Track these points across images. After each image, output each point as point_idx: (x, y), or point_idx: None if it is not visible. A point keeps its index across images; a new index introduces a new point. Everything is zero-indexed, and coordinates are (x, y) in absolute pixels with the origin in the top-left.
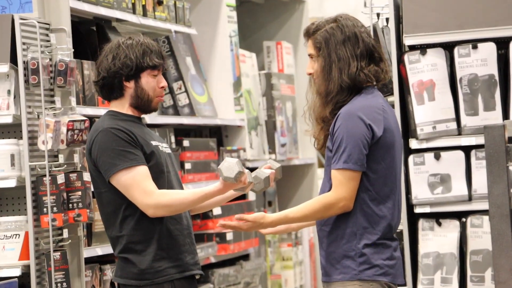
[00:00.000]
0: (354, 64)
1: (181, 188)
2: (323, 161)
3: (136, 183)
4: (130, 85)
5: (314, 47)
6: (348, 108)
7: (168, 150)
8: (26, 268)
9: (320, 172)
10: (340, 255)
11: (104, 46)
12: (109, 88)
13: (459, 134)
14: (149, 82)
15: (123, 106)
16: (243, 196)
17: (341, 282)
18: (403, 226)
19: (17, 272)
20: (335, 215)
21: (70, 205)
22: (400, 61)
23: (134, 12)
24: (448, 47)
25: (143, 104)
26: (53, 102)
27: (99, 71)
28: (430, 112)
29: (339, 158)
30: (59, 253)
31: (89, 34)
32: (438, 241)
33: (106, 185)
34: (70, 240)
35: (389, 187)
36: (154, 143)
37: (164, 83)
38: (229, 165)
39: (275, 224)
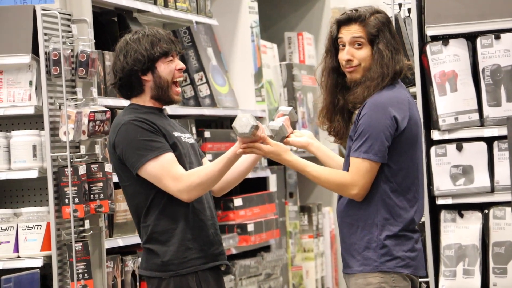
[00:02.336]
0: (402, 54)
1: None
2: (343, 151)
3: (166, 171)
4: (148, 78)
5: (366, 33)
6: (375, 98)
7: (192, 140)
8: (48, 259)
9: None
10: (361, 246)
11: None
12: (129, 86)
13: (482, 125)
14: (166, 68)
15: (144, 101)
16: (264, 187)
17: (362, 274)
18: (425, 217)
19: (39, 262)
20: (343, 196)
21: (92, 196)
22: (422, 52)
23: (155, 3)
24: (471, 38)
25: (163, 93)
26: (74, 93)
27: (114, 72)
28: (452, 103)
29: (360, 147)
30: (80, 244)
31: (110, 24)
32: (460, 232)
33: (131, 178)
34: (91, 231)
35: (411, 179)
36: (176, 134)
37: (181, 65)
38: (242, 121)
39: (291, 165)
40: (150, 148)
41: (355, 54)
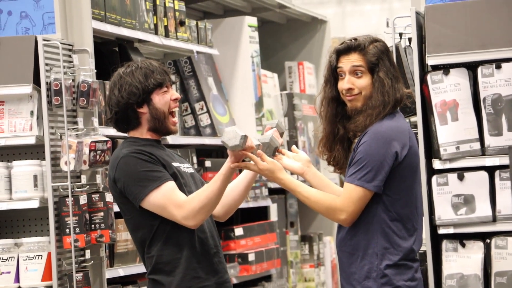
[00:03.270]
0: (401, 82)
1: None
2: (344, 180)
3: (169, 200)
4: (144, 110)
5: (366, 61)
6: (376, 128)
7: (191, 170)
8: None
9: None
10: (362, 276)
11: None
12: (125, 120)
13: (483, 154)
14: (161, 99)
15: (141, 133)
16: (265, 217)
17: None
18: (427, 247)
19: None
20: (332, 220)
21: (93, 225)
22: (423, 81)
23: (156, 33)
24: (471, 67)
25: (160, 124)
26: (75, 123)
27: (110, 107)
28: (454, 132)
29: (355, 173)
30: (81, 274)
31: (111, 55)
32: (462, 262)
33: (133, 211)
34: (92, 261)
35: (409, 208)
36: (175, 164)
37: (176, 95)
38: (230, 135)
39: (283, 183)
40: (151, 178)
41: (356, 83)
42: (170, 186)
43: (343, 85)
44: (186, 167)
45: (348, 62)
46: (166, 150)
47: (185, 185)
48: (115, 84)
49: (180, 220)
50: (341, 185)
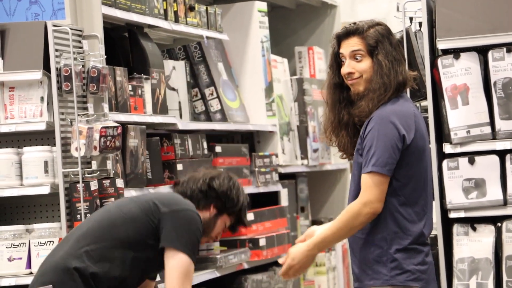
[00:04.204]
0: (404, 65)
1: None
2: None
3: (183, 275)
4: (210, 212)
5: (365, 45)
6: (381, 112)
7: None
8: None
9: None
10: (372, 260)
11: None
12: (200, 199)
13: (494, 138)
14: (220, 225)
15: (201, 215)
16: (276, 202)
17: None
18: (438, 231)
19: None
20: (367, 221)
21: None
22: (434, 65)
23: (166, 18)
24: (482, 51)
25: (204, 230)
26: (85, 108)
27: (208, 182)
28: (464, 116)
29: (369, 161)
30: None
31: (121, 40)
32: (473, 246)
33: (146, 240)
34: None
35: (418, 192)
36: None
37: (218, 236)
38: None
39: (317, 250)
40: (194, 248)
41: (356, 67)
42: (192, 268)
43: (344, 69)
44: None
45: (348, 46)
46: None
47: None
48: (230, 183)
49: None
50: (351, 169)
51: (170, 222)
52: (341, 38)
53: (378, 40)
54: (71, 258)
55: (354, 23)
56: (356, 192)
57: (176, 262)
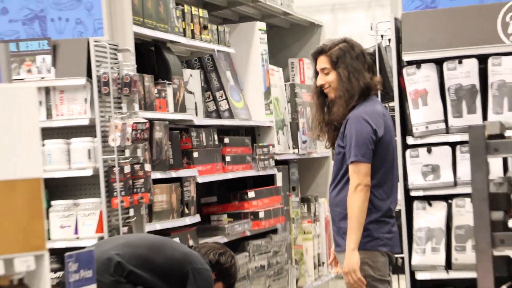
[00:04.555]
0: (366, 74)
1: None
2: None
3: None
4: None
5: (329, 61)
6: (356, 113)
7: None
8: (101, 239)
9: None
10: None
11: (229, 259)
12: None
13: (447, 132)
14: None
15: None
16: (272, 182)
17: None
18: (401, 206)
19: (94, 242)
20: (365, 197)
21: (135, 190)
22: (400, 74)
23: (184, 35)
24: (439, 62)
25: None
26: (120, 107)
27: (218, 258)
28: (424, 115)
29: (350, 153)
30: (126, 228)
31: (148, 53)
32: (429, 218)
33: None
34: (135, 218)
35: (387, 176)
36: None
37: None
38: None
39: (353, 246)
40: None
41: (325, 79)
42: None
43: (317, 82)
44: None
45: (319, 63)
46: None
47: None
48: (234, 263)
49: None
50: (333, 157)
51: (195, 277)
52: (314, 56)
53: (339, 56)
54: (116, 255)
55: (324, 44)
56: (336, 173)
57: None
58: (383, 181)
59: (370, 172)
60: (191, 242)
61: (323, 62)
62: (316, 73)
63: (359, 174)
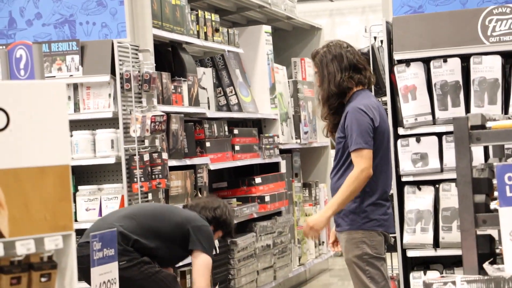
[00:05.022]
0: (339, 75)
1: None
2: (334, 144)
3: (206, 270)
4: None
5: (315, 66)
6: (353, 104)
7: None
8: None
9: (332, 152)
10: (348, 211)
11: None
12: (213, 223)
13: (434, 124)
14: (215, 237)
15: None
16: (277, 169)
17: (348, 231)
18: (393, 191)
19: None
20: (363, 183)
21: (153, 176)
22: (391, 71)
23: (198, 37)
24: (426, 61)
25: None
26: (140, 102)
27: (214, 212)
28: (413, 108)
29: (353, 142)
30: None
31: (166, 53)
32: (418, 201)
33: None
34: (153, 201)
35: (383, 162)
36: None
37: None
38: None
39: (331, 212)
40: (211, 250)
41: (318, 80)
42: (211, 262)
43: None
44: None
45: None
46: None
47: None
48: (219, 207)
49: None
50: (332, 146)
51: (195, 233)
52: (312, 60)
53: (319, 61)
54: (120, 226)
55: (315, 50)
56: (337, 161)
57: (201, 259)
58: (380, 167)
59: (372, 158)
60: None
61: (313, 66)
62: None
63: (364, 159)
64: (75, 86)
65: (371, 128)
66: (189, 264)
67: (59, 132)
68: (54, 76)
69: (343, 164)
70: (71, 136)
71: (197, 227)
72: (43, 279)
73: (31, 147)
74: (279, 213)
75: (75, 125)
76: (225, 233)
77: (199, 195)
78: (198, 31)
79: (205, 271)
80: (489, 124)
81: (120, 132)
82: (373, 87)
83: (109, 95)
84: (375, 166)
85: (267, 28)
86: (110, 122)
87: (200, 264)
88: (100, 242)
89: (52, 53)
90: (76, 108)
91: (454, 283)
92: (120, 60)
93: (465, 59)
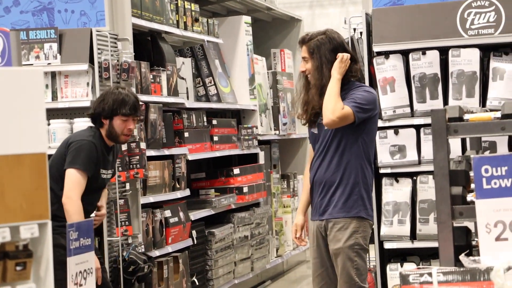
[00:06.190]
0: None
1: (99, 198)
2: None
3: (75, 184)
4: (106, 122)
5: (308, 51)
6: (362, 87)
7: (109, 176)
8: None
9: None
10: (345, 199)
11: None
12: (95, 120)
13: (412, 116)
14: (118, 124)
15: (102, 132)
16: (256, 160)
17: (344, 219)
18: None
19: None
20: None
21: (131, 165)
22: (370, 63)
23: (178, 27)
24: (405, 53)
25: (112, 138)
26: None
27: (92, 106)
28: (391, 100)
29: (355, 105)
30: (123, 200)
31: (145, 42)
32: (396, 193)
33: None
34: (131, 191)
35: (372, 154)
36: (103, 171)
37: (131, 127)
38: None
39: (336, 81)
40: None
41: (305, 66)
42: (81, 176)
43: (300, 68)
44: (108, 173)
45: (301, 51)
46: (110, 155)
47: (90, 191)
48: (102, 95)
49: (63, 198)
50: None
51: (67, 156)
52: (299, 44)
53: (315, 47)
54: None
55: (307, 34)
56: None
57: (68, 176)
58: (370, 159)
59: (370, 147)
60: (181, 214)
61: (304, 51)
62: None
63: (345, 114)
64: (53, 75)
65: (375, 110)
66: (167, 255)
67: (36, 120)
68: (32, 64)
69: (335, 152)
70: (49, 124)
71: (70, 146)
72: (18, 268)
73: (7, 134)
74: (257, 204)
75: (53, 113)
76: (120, 114)
77: (177, 185)
78: (177, 21)
79: (75, 184)
80: (466, 116)
81: None
82: None
83: (87, 84)
84: (371, 156)
85: (247, 18)
86: (88, 111)
87: (68, 181)
88: (77, 232)
89: (30, 40)
90: (54, 97)
91: (430, 274)
92: (98, 49)
93: (443, 52)
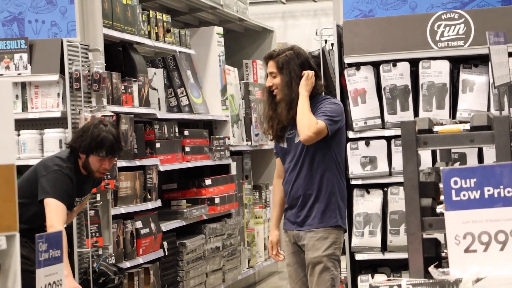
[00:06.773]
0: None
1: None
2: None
3: (59, 212)
4: (82, 157)
5: (276, 66)
6: (329, 100)
7: (83, 199)
8: (70, 222)
9: None
10: (322, 209)
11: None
12: (74, 151)
13: (383, 127)
14: (94, 162)
15: (80, 163)
16: (227, 171)
17: (323, 229)
18: None
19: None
20: (312, 133)
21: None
22: (341, 75)
23: (149, 37)
24: (376, 65)
25: (87, 172)
26: (90, 102)
27: (72, 137)
28: (362, 111)
29: (327, 118)
30: (93, 211)
31: (116, 53)
32: (367, 204)
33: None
34: (101, 202)
35: (344, 165)
36: (77, 198)
37: (105, 167)
38: None
39: (304, 98)
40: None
41: (273, 81)
42: (59, 204)
43: (266, 83)
44: (81, 200)
45: (268, 67)
46: (86, 183)
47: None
48: (83, 129)
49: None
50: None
51: (40, 183)
52: (265, 60)
53: (284, 62)
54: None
55: (274, 50)
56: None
57: (49, 205)
58: (343, 169)
59: (341, 156)
60: (152, 225)
61: (271, 66)
62: (267, 75)
63: (320, 129)
64: (23, 85)
65: (343, 122)
66: (138, 266)
67: (4, 130)
68: (2, 75)
69: (311, 165)
70: (19, 135)
71: (41, 176)
72: None
73: None
74: (229, 215)
75: (23, 124)
76: (95, 154)
77: (148, 196)
78: (149, 32)
79: (57, 212)
80: (436, 128)
81: (69, 132)
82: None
83: (58, 94)
84: (343, 166)
85: (219, 29)
86: (59, 122)
87: (50, 210)
88: (46, 243)
89: (0, 51)
90: (24, 107)
91: (399, 286)
92: (69, 59)
93: (414, 64)
